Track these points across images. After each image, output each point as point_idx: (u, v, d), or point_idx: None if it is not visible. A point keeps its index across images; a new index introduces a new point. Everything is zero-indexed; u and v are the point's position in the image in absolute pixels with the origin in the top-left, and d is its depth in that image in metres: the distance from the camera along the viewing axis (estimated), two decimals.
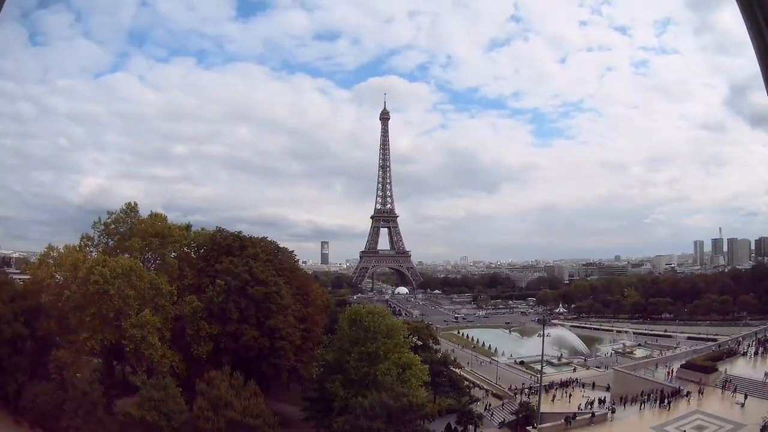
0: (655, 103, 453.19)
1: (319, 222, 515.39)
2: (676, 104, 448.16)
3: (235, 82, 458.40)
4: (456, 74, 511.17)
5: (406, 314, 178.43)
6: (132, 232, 55.98)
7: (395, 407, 39.32)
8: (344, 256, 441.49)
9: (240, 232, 64.33)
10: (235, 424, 36.90)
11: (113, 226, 57.23)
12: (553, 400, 58.41)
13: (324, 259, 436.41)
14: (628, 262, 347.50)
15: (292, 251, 75.79)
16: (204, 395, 38.51)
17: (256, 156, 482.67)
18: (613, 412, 46.50)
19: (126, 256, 52.02)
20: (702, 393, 48.65)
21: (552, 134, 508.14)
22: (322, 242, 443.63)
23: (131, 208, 58.01)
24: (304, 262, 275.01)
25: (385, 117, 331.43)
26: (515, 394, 69.31)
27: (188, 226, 63.58)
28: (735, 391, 47.90)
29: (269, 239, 68.49)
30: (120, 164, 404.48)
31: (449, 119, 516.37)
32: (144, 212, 59.47)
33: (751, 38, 5.35)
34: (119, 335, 46.52)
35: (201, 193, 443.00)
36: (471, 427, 54.60)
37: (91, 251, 55.58)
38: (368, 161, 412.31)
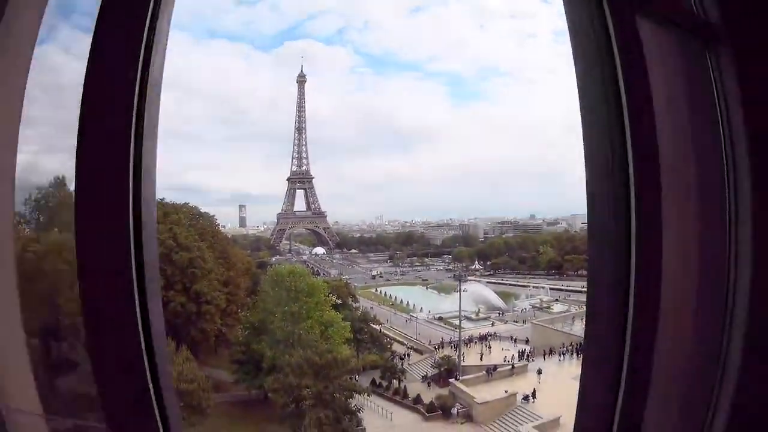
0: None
1: (239, 186, 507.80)
2: None
3: None
4: (373, 37, 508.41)
5: (324, 274, 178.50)
6: (61, 206, 54.58)
7: (321, 363, 40.51)
8: (262, 219, 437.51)
9: (163, 199, 63.53)
10: None
11: (43, 201, 55.69)
12: (481, 359, 60.05)
13: (242, 222, 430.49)
14: (543, 220, 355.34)
15: (213, 216, 75.10)
16: None
17: (179, 123, 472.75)
18: (540, 372, 47.96)
19: (55, 230, 50.89)
20: None
21: (469, 97, 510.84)
22: (239, 206, 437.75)
23: (59, 182, 56.50)
24: (224, 227, 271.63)
25: (301, 80, 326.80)
26: (436, 349, 71.07)
27: None
28: None
29: (191, 205, 68.06)
30: (46, 139, 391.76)
31: (366, 82, 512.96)
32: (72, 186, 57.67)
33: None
34: (56, 312, 45.72)
35: None
36: (395, 382, 55.97)
37: (24, 228, 54.17)
38: (286, 124, 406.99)
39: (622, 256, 3.17)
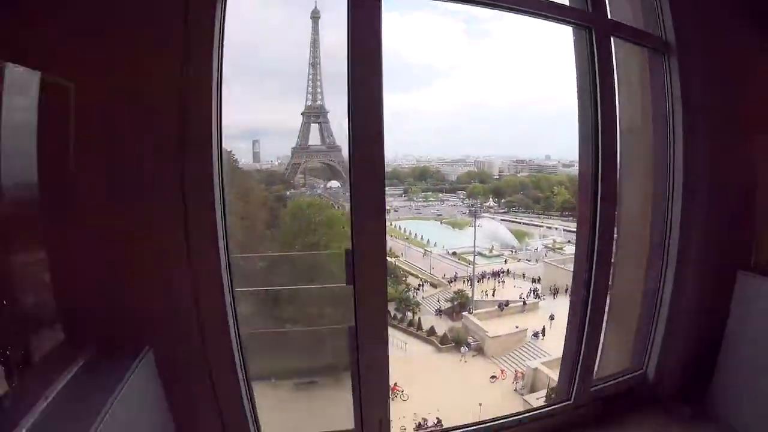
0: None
1: (251, 121, 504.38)
2: None
3: None
4: None
5: (338, 207, 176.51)
6: None
7: (340, 293, 41.42)
8: (275, 154, 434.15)
9: None
10: None
11: None
12: (493, 294, 60.41)
13: (255, 157, 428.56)
14: (559, 161, 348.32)
15: (230, 151, 75.45)
16: None
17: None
18: (552, 318, 48.31)
19: None
20: None
21: (484, 35, 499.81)
22: (253, 141, 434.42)
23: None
24: (237, 161, 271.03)
25: (315, 16, 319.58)
26: (449, 283, 71.42)
27: None
28: None
29: None
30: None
31: (383, 18, 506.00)
32: None
33: None
34: None
35: None
36: (409, 314, 56.75)
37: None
38: (300, 61, 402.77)
39: (595, 206, 4.63)
